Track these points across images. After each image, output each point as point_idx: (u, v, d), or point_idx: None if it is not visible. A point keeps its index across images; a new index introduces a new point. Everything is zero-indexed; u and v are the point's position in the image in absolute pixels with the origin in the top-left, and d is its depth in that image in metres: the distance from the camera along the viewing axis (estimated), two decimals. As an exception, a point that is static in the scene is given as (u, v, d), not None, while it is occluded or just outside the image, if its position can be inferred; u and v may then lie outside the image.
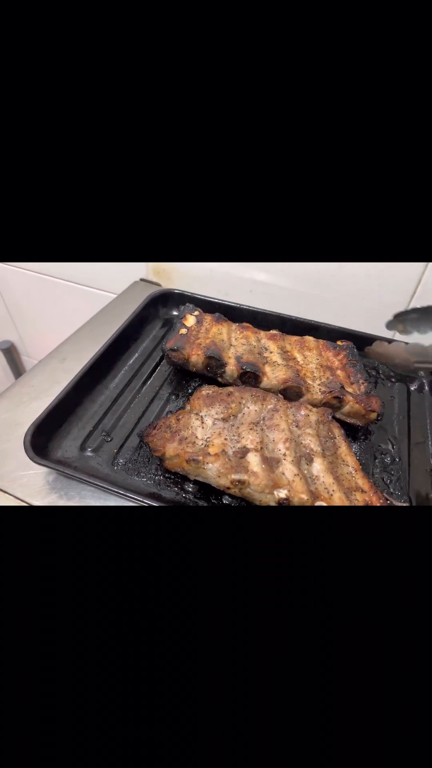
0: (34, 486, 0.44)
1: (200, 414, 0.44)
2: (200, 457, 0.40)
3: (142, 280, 0.76)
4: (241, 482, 0.38)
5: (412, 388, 0.55)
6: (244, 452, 0.40)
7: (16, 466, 0.45)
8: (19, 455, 0.46)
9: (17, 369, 1.13)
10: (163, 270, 0.74)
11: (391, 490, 0.43)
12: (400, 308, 0.60)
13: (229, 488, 0.40)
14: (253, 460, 0.40)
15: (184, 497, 0.42)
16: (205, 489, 0.43)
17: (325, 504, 0.38)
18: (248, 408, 0.45)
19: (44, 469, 0.45)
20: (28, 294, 0.95)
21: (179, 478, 0.43)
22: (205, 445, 0.41)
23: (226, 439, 0.42)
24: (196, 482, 0.43)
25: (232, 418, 0.44)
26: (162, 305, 0.64)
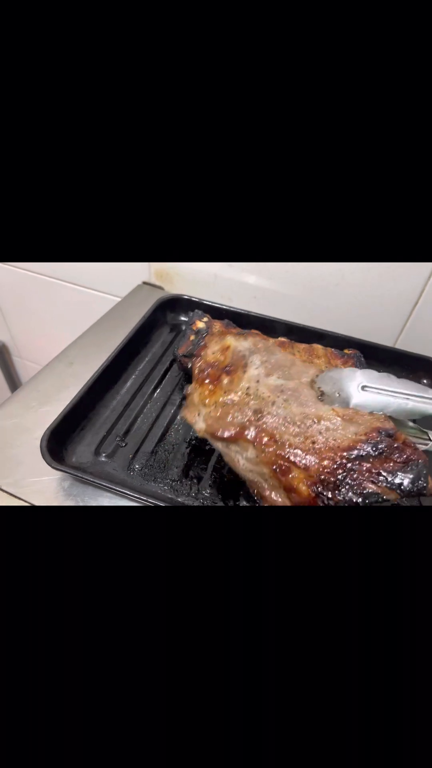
0: (48, 492, 0.43)
1: None
2: None
3: (144, 283, 0.76)
4: None
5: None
6: None
7: (27, 472, 0.45)
8: (30, 461, 0.45)
9: (8, 370, 1.11)
10: (166, 273, 0.74)
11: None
12: (403, 318, 0.63)
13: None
14: None
15: (202, 502, 0.43)
16: (223, 492, 0.43)
17: None
18: None
19: (57, 476, 0.44)
20: (21, 293, 0.94)
21: (196, 483, 0.44)
22: None
23: None
24: (212, 485, 0.43)
25: None
26: (170, 310, 0.64)
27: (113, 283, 0.79)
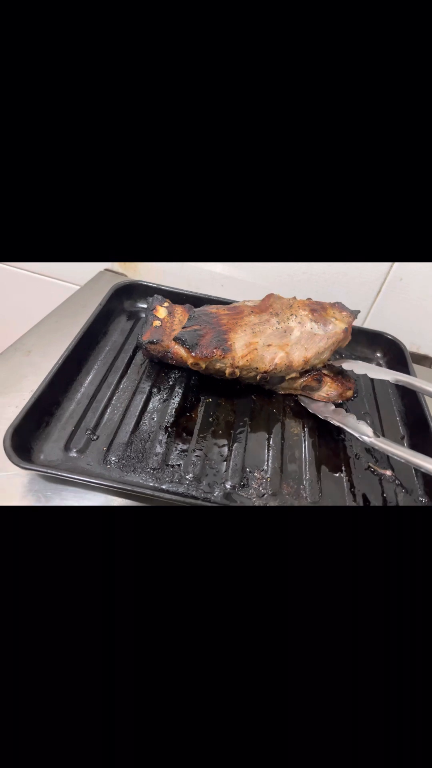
0: (13, 492, 0.39)
1: None
2: None
3: (106, 270, 0.72)
4: None
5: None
6: None
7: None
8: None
9: None
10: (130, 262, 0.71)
11: (375, 459, 0.47)
12: (368, 302, 0.65)
13: None
14: None
15: (187, 488, 0.41)
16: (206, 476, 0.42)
17: None
18: None
19: (19, 472, 0.40)
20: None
21: (178, 468, 0.42)
22: None
23: None
24: (195, 469, 0.42)
25: None
26: (126, 297, 0.62)
27: (76, 271, 0.74)
